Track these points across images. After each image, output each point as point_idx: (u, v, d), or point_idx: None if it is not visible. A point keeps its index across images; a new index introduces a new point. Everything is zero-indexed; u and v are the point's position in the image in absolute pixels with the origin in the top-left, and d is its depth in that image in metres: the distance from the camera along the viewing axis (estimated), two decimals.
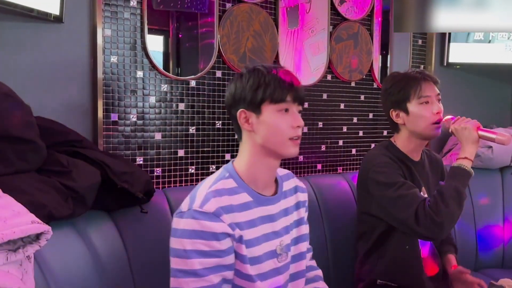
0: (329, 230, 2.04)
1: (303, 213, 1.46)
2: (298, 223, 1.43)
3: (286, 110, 1.27)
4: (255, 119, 1.28)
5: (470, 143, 1.64)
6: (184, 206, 1.24)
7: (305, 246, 1.44)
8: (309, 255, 1.53)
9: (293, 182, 1.47)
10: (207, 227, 1.18)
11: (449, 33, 2.87)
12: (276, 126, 1.26)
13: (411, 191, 1.61)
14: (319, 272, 1.54)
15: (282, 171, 1.47)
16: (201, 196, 1.23)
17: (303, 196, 1.47)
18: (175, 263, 1.21)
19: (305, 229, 1.45)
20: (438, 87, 1.75)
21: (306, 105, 2.31)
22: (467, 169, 1.61)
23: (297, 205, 1.44)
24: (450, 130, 1.69)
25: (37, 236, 1.04)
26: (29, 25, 1.61)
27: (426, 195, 1.70)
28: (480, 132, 1.63)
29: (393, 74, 1.82)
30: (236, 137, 2.06)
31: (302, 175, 2.29)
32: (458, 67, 2.97)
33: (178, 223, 1.22)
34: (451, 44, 2.88)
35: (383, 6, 2.61)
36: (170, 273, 1.22)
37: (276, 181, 1.41)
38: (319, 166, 2.40)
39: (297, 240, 1.41)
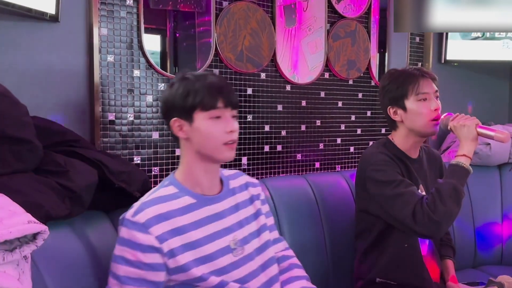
0: (328, 228, 2.04)
1: (259, 205, 1.48)
2: (256, 215, 1.46)
3: (218, 117, 1.29)
4: (189, 127, 1.30)
5: (469, 141, 1.63)
6: (124, 213, 1.27)
7: (267, 235, 1.45)
8: (281, 244, 1.56)
9: (243, 179, 1.50)
10: (134, 237, 1.20)
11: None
12: (209, 133, 1.29)
13: (409, 189, 1.60)
14: (294, 260, 1.55)
15: (229, 172, 1.50)
16: (137, 206, 1.25)
17: (255, 190, 1.49)
18: (112, 265, 1.25)
19: (264, 220, 1.47)
20: (436, 84, 1.75)
21: (303, 103, 2.32)
22: (466, 167, 1.60)
23: (251, 199, 1.47)
24: (448, 128, 1.68)
25: (34, 236, 1.04)
26: (25, 24, 1.60)
27: (423, 193, 1.70)
28: (479, 130, 1.62)
29: (391, 71, 1.81)
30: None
31: (300, 173, 2.28)
32: (455, 64, 2.97)
33: (118, 229, 1.27)
34: (449, 42, 2.88)
35: (381, 4, 2.61)
36: None
37: (221, 181, 1.43)
38: (317, 164, 2.40)
39: (258, 232, 1.43)
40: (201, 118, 1.28)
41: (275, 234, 1.55)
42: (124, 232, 1.22)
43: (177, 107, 1.30)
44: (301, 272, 1.51)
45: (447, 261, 1.88)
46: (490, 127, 1.64)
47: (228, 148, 1.31)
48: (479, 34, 2.86)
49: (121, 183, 1.48)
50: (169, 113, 1.33)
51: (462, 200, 1.58)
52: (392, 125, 1.80)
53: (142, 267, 1.21)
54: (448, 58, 2.90)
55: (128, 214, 1.24)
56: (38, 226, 1.02)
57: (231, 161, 2.06)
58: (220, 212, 1.36)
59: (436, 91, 1.74)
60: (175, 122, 1.31)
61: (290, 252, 1.57)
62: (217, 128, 1.29)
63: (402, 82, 1.72)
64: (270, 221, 1.53)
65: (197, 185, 1.35)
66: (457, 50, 2.90)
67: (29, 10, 1.51)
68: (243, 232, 1.39)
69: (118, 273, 1.21)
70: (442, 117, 1.70)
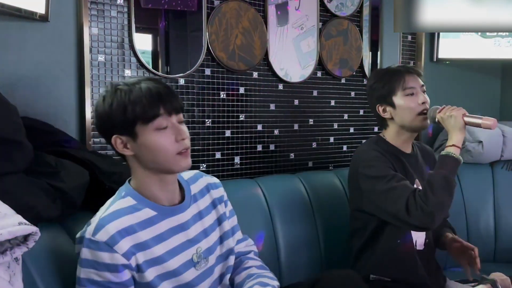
0: (321, 227, 2.04)
1: (223, 208, 1.40)
2: (220, 221, 1.38)
3: (165, 127, 1.18)
4: (133, 143, 1.18)
5: (457, 130, 1.64)
6: (82, 231, 1.18)
7: (231, 242, 1.39)
8: (243, 244, 1.48)
9: (203, 181, 1.40)
10: (99, 257, 1.12)
11: None
12: (158, 146, 1.17)
13: (401, 183, 1.61)
14: (249, 256, 1.47)
15: (188, 174, 1.39)
16: (95, 222, 1.15)
17: (217, 192, 1.40)
18: None
19: (227, 225, 1.39)
20: (422, 79, 1.77)
21: (296, 102, 2.31)
22: (456, 157, 1.61)
23: (213, 204, 1.38)
24: (436, 120, 1.70)
25: (25, 238, 1.02)
26: (14, 24, 1.58)
27: (420, 187, 1.70)
28: (466, 119, 1.63)
29: (376, 70, 1.85)
30: (226, 135, 2.08)
31: (293, 172, 2.28)
32: (447, 62, 2.98)
33: (77, 248, 1.17)
34: (441, 40, 2.89)
35: (373, 3, 2.61)
36: None
37: (181, 187, 1.33)
38: (310, 163, 2.40)
39: (222, 239, 1.37)
40: (145, 132, 1.16)
41: (238, 235, 1.47)
42: (86, 253, 1.12)
43: (116, 123, 1.17)
44: (252, 262, 1.44)
45: (446, 233, 1.86)
46: (476, 115, 1.64)
47: (182, 156, 1.20)
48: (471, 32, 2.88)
49: (112, 184, 1.46)
50: (107, 131, 1.20)
51: (454, 189, 1.58)
52: (383, 123, 1.81)
53: (112, 286, 1.13)
54: (440, 56, 2.91)
55: (87, 233, 1.13)
56: (29, 228, 1.01)
57: (225, 162, 2.07)
58: (183, 223, 1.27)
59: (423, 85, 1.76)
60: (116, 140, 1.19)
61: (252, 248, 1.50)
62: (166, 139, 1.17)
63: (388, 80, 1.74)
64: (233, 221, 1.45)
65: (155, 196, 1.24)
66: (449, 48, 2.91)
67: (19, 10, 1.49)
68: (208, 241, 1.32)
69: None
70: (430, 109, 1.71)
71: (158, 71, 1.89)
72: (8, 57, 1.58)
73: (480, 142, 2.49)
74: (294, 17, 2.30)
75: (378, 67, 2.66)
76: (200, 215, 1.33)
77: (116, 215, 1.17)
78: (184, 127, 1.22)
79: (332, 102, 2.47)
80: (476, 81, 3.16)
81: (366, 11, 2.59)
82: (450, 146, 1.63)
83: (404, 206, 1.55)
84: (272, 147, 2.25)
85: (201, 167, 2.01)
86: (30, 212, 1.16)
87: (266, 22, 2.19)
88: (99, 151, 1.74)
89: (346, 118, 2.53)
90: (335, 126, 2.49)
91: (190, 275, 1.25)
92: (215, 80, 2.05)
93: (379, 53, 2.68)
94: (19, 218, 1.02)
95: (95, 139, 1.75)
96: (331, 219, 2.06)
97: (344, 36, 2.49)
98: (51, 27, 1.65)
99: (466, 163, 2.50)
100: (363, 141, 2.54)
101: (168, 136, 1.18)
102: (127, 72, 1.82)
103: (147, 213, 1.21)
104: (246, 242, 1.50)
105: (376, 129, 2.63)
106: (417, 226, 1.60)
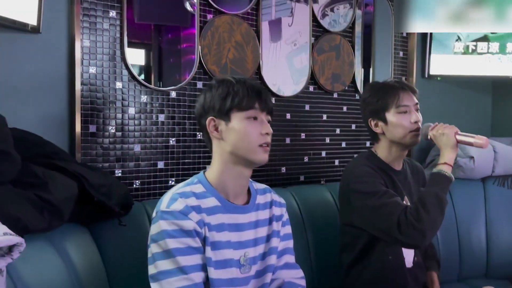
0: (313, 242, 2.03)
1: (277, 227, 1.44)
2: (269, 237, 1.41)
3: (255, 118, 1.31)
4: (224, 127, 1.31)
5: (449, 148, 1.64)
6: (155, 210, 1.29)
7: (273, 259, 1.41)
8: (294, 272, 1.47)
9: (270, 196, 1.47)
10: (177, 225, 1.21)
11: (430, 45, 2.90)
12: (245, 132, 1.29)
13: (392, 199, 1.60)
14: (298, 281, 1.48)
15: (260, 185, 1.49)
16: (168, 198, 1.27)
17: (279, 211, 1.46)
18: (158, 265, 1.21)
19: (276, 242, 1.42)
20: (417, 97, 1.76)
21: (288, 116, 2.32)
22: (447, 175, 1.61)
23: (270, 220, 1.43)
24: (428, 137, 1.70)
25: (10, 249, 1.01)
26: (5, 35, 1.58)
27: (409, 204, 1.70)
28: (458, 137, 1.64)
29: (372, 83, 1.84)
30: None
31: (284, 186, 2.27)
32: (439, 79, 3.00)
33: (152, 229, 1.26)
34: (432, 56, 2.92)
35: (365, 20, 2.64)
36: (150, 280, 1.23)
37: (250, 192, 1.41)
38: (302, 178, 2.39)
39: (264, 255, 1.40)
40: (237, 118, 1.30)
41: (290, 258, 1.48)
42: (163, 224, 1.21)
43: (215, 107, 1.31)
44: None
45: (432, 273, 1.88)
46: (469, 134, 1.65)
47: (263, 150, 1.31)
48: (462, 49, 2.90)
49: (100, 197, 1.45)
50: (205, 114, 1.34)
51: (445, 208, 1.58)
52: (374, 137, 1.81)
53: (193, 252, 1.22)
54: (431, 73, 2.93)
55: (162, 206, 1.25)
56: (14, 238, 0.99)
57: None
58: (240, 224, 1.34)
59: (417, 103, 1.75)
60: (210, 122, 1.32)
61: (300, 282, 1.48)
62: (253, 129, 1.30)
63: (383, 95, 1.74)
64: (287, 244, 1.48)
65: (225, 188, 1.34)
66: (440, 65, 2.93)
67: (14, 22, 1.49)
68: (256, 251, 1.37)
69: (180, 264, 1.20)
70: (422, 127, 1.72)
71: (150, 83, 1.89)
72: None
73: (472, 157, 2.50)
74: (287, 33, 2.31)
75: (373, 81, 2.67)
76: (256, 224, 1.39)
77: (187, 195, 1.27)
78: (270, 127, 1.34)
79: (324, 117, 2.47)
80: (468, 97, 3.19)
81: (358, 28, 2.61)
82: (442, 164, 1.63)
83: (396, 223, 1.55)
84: None
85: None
86: (16, 223, 1.15)
87: (259, 37, 2.19)
88: (89, 164, 1.73)
89: (338, 132, 2.53)
90: (327, 140, 2.49)
91: (232, 273, 1.30)
92: None
93: (371, 69, 2.69)
94: (4, 229, 1.01)
95: (85, 151, 1.74)
96: (322, 233, 2.05)
97: (336, 51, 2.50)
98: (43, 38, 1.65)
99: (458, 178, 2.49)
100: (355, 155, 2.54)
101: (256, 127, 1.31)
102: (119, 85, 1.82)
103: (213, 201, 1.31)
104: (297, 271, 1.49)
105: (368, 143, 2.63)
106: (408, 244, 1.60)
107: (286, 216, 1.50)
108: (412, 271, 1.76)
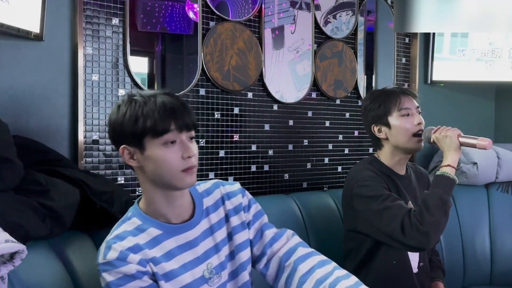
0: (315, 248, 1.99)
1: (238, 220, 1.34)
2: (231, 235, 1.33)
3: (173, 142, 1.16)
4: (140, 155, 1.17)
5: (453, 151, 1.64)
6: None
7: (244, 255, 1.33)
8: (282, 240, 1.37)
9: (219, 192, 1.35)
10: (119, 273, 1.13)
11: (432, 51, 2.90)
12: (163, 160, 1.15)
13: (395, 202, 1.61)
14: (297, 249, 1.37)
15: (204, 186, 1.36)
16: (103, 248, 1.16)
17: (235, 201, 1.35)
18: None
19: (242, 236, 1.33)
20: (417, 101, 1.78)
21: (291, 122, 2.32)
22: (451, 177, 1.61)
23: (227, 216, 1.33)
24: (431, 140, 1.70)
25: (12, 256, 1.01)
26: (8, 43, 1.58)
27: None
28: (461, 139, 1.64)
29: (372, 91, 1.86)
30: (220, 155, 2.08)
31: (287, 193, 2.27)
32: (441, 85, 3.00)
33: (101, 282, 1.17)
34: (435, 62, 2.92)
35: (367, 27, 2.64)
36: None
37: (193, 202, 1.30)
38: (304, 184, 2.38)
39: (232, 254, 1.32)
40: (153, 145, 1.15)
41: (272, 231, 1.38)
42: (107, 277, 1.13)
43: (126, 134, 1.16)
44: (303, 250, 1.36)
45: (437, 282, 1.87)
46: (471, 136, 1.65)
47: (187, 174, 1.18)
48: (464, 54, 2.90)
49: (102, 204, 1.45)
50: (117, 140, 1.20)
51: (449, 209, 1.58)
52: (377, 143, 1.81)
53: None
54: (434, 78, 2.93)
55: (100, 259, 1.15)
56: (15, 245, 1.00)
57: None
58: (192, 241, 1.25)
59: (418, 107, 1.77)
60: (124, 150, 1.19)
61: (293, 241, 1.38)
62: (172, 155, 1.16)
63: (384, 100, 1.75)
64: (262, 221, 1.38)
65: (162, 215, 1.23)
66: (443, 70, 2.93)
67: (18, 30, 1.49)
68: (220, 257, 1.29)
69: None
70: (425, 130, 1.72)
71: (153, 89, 1.89)
72: (1, 75, 1.59)
73: (475, 163, 2.49)
74: (290, 41, 2.32)
75: (373, 89, 2.67)
76: (211, 230, 1.30)
77: (121, 237, 1.17)
78: (193, 145, 1.20)
79: (327, 123, 2.47)
80: (471, 103, 3.18)
81: (360, 35, 2.61)
82: (446, 166, 1.63)
83: (399, 226, 1.55)
84: (266, 167, 2.24)
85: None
86: (18, 231, 1.15)
87: (261, 44, 2.20)
88: (91, 171, 1.73)
89: (341, 139, 2.53)
90: (330, 147, 2.49)
91: None
92: (210, 100, 2.06)
93: (373, 76, 2.69)
94: (6, 236, 1.01)
95: (87, 159, 1.74)
96: (325, 240, 2.04)
97: (339, 58, 2.51)
98: (46, 46, 1.66)
99: (461, 184, 2.50)
100: (358, 162, 2.54)
101: (175, 152, 1.17)
102: (121, 92, 1.82)
103: (152, 232, 1.21)
104: (285, 235, 1.39)
105: (371, 150, 2.63)
106: (413, 246, 1.59)
107: (246, 200, 1.37)
108: (418, 276, 1.75)
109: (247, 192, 1.39)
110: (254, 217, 1.38)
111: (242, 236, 1.34)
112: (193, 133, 1.21)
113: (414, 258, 1.76)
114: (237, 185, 1.39)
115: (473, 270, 2.42)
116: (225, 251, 1.31)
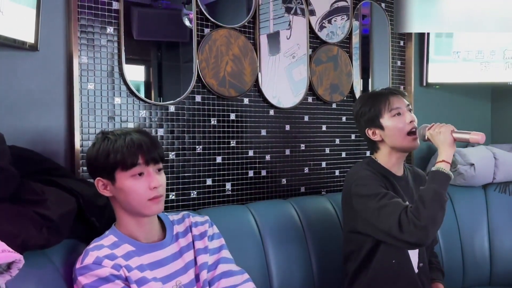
0: (314, 253, 2.02)
1: (202, 244, 1.45)
2: (196, 259, 1.43)
3: (141, 174, 1.32)
4: (112, 187, 1.33)
5: (447, 146, 1.65)
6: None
7: (204, 274, 1.42)
8: (234, 279, 1.45)
9: (188, 221, 1.49)
10: (94, 276, 1.24)
11: (427, 53, 2.91)
12: (131, 191, 1.31)
13: (393, 200, 1.62)
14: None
15: (177, 216, 1.51)
16: (82, 255, 1.29)
17: (201, 229, 1.48)
18: None
19: (202, 258, 1.43)
20: (407, 99, 1.81)
21: (287, 127, 2.32)
22: (446, 172, 1.62)
23: (193, 242, 1.45)
24: (426, 137, 1.72)
25: (8, 266, 1.01)
26: (3, 53, 1.59)
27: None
28: (455, 135, 1.66)
29: (361, 95, 1.88)
30: (217, 161, 2.08)
31: (285, 198, 2.27)
32: (437, 87, 3.00)
33: (76, 284, 1.28)
34: (430, 65, 2.92)
35: (362, 30, 2.65)
36: None
37: (164, 226, 1.44)
38: (302, 189, 2.39)
39: (197, 277, 1.42)
40: (123, 177, 1.31)
41: (227, 267, 1.47)
42: (82, 280, 1.24)
43: (99, 167, 1.33)
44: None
45: (437, 284, 1.88)
46: (465, 131, 1.67)
47: (153, 203, 1.33)
48: (459, 56, 2.91)
49: (91, 217, 1.47)
50: (93, 172, 1.37)
51: (445, 203, 1.59)
52: (373, 146, 1.82)
53: None
54: (429, 81, 2.93)
55: (77, 265, 1.27)
56: (12, 255, 1.00)
57: (216, 188, 2.06)
58: (162, 260, 1.37)
59: (408, 105, 1.79)
60: (98, 182, 1.35)
61: (244, 286, 1.46)
62: (140, 186, 1.31)
63: (373, 103, 1.78)
64: (220, 255, 1.48)
65: (133, 236, 1.37)
66: (438, 73, 2.93)
67: (14, 41, 1.50)
68: (188, 276, 1.40)
69: None
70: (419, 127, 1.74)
71: (150, 99, 1.90)
72: None
73: (472, 164, 2.50)
74: (285, 46, 2.32)
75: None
76: (180, 252, 1.43)
77: (99, 247, 1.30)
78: (160, 176, 1.35)
79: (324, 127, 2.48)
80: (467, 105, 3.19)
81: (355, 39, 2.62)
82: (440, 162, 1.64)
83: (397, 223, 1.56)
84: (263, 172, 2.25)
85: (192, 194, 2.00)
86: (15, 240, 1.14)
87: (256, 50, 2.21)
88: (89, 179, 1.73)
89: (338, 142, 2.54)
90: (327, 151, 2.49)
91: None
92: (206, 107, 2.06)
93: (369, 79, 2.70)
94: (3, 246, 1.01)
95: (84, 167, 1.73)
96: (324, 244, 2.05)
97: (334, 62, 2.51)
98: (41, 56, 1.66)
99: (459, 186, 2.50)
100: (355, 163, 2.54)
101: (142, 183, 1.32)
102: (117, 100, 1.83)
103: (127, 248, 1.33)
104: (239, 277, 1.46)
105: (368, 153, 2.63)
106: (411, 242, 1.59)
107: (212, 231, 1.50)
108: (419, 276, 1.76)
109: (215, 226, 1.53)
110: (216, 249, 1.49)
111: (203, 258, 1.44)
112: (160, 165, 1.37)
113: (413, 258, 1.76)
114: (206, 218, 1.54)
115: (472, 271, 2.42)
116: (192, 272, 1.42)
